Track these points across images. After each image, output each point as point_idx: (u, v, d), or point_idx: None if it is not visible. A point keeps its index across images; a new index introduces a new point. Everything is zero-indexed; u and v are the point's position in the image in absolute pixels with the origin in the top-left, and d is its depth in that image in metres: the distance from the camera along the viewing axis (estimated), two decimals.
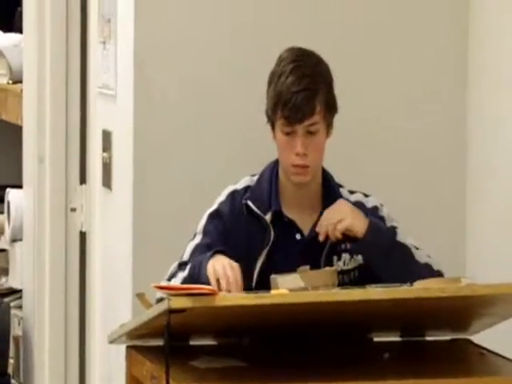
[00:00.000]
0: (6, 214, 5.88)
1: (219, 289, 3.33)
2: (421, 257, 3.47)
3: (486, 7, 4.86)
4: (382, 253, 3.38)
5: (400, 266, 3.40)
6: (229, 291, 3.29)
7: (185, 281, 3.38)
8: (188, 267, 3.42)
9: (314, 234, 3.43)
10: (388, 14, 4.79)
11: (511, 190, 4.61)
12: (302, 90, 3.17)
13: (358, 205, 3.47)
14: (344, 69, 4.40)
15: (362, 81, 4.66)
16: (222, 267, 3.29)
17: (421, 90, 4.80)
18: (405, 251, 3.44)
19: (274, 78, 3.26)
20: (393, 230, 3.46)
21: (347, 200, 3.48)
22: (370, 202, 3.54)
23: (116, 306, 4.58)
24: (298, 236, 3.41)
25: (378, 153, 4.54)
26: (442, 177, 4.85)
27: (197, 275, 3.38)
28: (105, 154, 4.73)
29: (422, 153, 4.77)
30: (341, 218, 3.38)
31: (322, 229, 3.40)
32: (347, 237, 3.41)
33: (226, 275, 3.29)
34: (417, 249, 3.49)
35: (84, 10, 5.26)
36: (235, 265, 3.30)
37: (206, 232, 3.52)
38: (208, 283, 3.32)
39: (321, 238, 3.39)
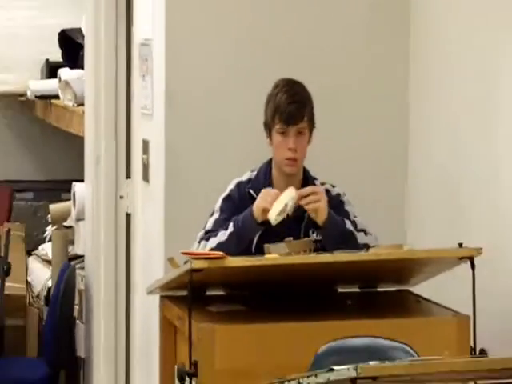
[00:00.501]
0: (72, 201, 5.95)
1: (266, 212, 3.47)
2: (362, 239, 3.50)
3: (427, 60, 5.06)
4: (335, 240, 3.45)
5: (345, 247, 3.58)
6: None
7: (231, 235, 3.42)
8: (230, 226, 3.44)
9: (296, 214, 3.66)
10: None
11: (446, 170, 4.79)
12: (295, 102, 3.27)
13: (327, 192, 3.45)
14: (320, 92, 4.78)
15: (332, 105, 4.95)
16: (261, 201, 3.42)
17: (373, 111, 5.10)
18: (351, 238, 3.50)
19: (272, 97, 3.33)
20: (343, 221, 3.49)
21: None
22: (335, 191, 3.55)
23: (152, 267, 4.59)
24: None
25: (343, 154, 4.71)
26: (385, 166, 5.11)
27: (241, 227, 3.46)
28: (144, 157, 4.73)
29: (372, 150, 5.13)
30: (318, 199, 3.63)
31: (303, 193, 3.54)
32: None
33: (268, 201, 3.40)
34: (360, 231, 3.52)
35: (128, 52, 5.34)
36: (266, 190, 3.49)
37: (221, 210, 3.55)
38: (251, 228, 3.44)
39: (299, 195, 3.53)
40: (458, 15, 4.31)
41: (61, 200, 6.64)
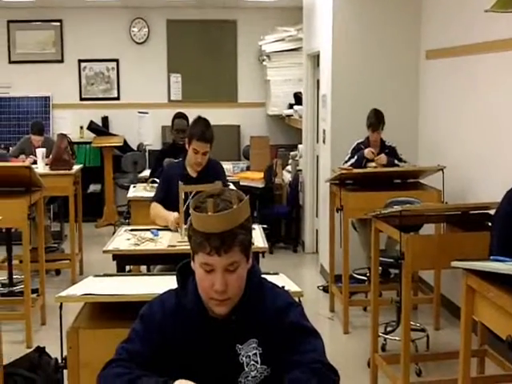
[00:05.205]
0: (298, 150, 7.49)
1: None
2: (403, 163, 5.18)
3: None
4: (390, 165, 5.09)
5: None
6: None
7: (354, 161, 5.21)
8: (354, 158, 5.17)
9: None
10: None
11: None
12: None
13: (389, 147, 5.28)
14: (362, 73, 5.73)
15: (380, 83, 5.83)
16: (367, 151, 4.96)
17: (402, 92, 5.98)
18: (394, 165, 5.14)
19: None
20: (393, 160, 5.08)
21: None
22: (388, 142, 5.25)
23: (326, 175, 5.81)
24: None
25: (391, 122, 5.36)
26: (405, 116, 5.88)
27: (358, 159, 5.14)
28: (323, 135, 6.28)
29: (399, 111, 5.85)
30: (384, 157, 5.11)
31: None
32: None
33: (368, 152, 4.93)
34: (402, 160, 5.23)
35: (317, 99, 6.72)
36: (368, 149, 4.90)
37: (351, 152, 5.30)
38: (362, 159, 5.10)
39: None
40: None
41: (293, 150, 7.88)
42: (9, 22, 8.63)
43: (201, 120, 4.04)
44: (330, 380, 1.61)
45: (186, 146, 4.00)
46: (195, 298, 1.69)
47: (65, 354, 2.41)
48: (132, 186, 5.47)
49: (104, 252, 3.52)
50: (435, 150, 5.43)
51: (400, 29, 5.73)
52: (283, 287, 1.91)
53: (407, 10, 5.73)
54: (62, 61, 8.81)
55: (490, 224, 3.23)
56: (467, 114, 4.93)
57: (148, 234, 3.75)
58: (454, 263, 2.77)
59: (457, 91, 5.08)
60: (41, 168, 5.79)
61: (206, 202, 1.62)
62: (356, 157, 5.14)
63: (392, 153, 5.23)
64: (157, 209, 4.00)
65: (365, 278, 5.26)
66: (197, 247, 1.63)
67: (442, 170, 4.76)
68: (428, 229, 4.46)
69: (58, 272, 6.28)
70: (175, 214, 3.78)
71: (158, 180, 4.61)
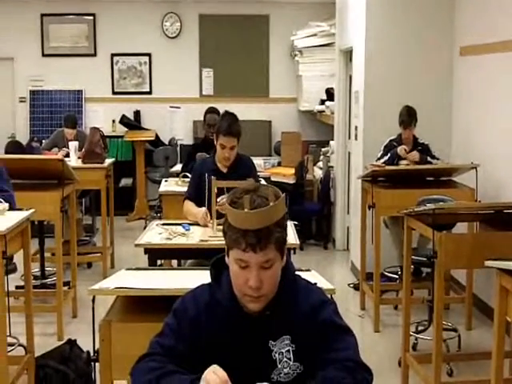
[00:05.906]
0: (330, 146, 7.47)
1: None
2: (435, 160, 5.09)
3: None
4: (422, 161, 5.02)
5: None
6: None
7: (387, 159, 5.09)
8: (387, 156, 5.13)
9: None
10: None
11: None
12: None
13: (422, 144, 5.19)
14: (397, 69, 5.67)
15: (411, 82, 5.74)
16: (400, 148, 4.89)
17: (435, 92, 5.89)
18: (427, 163, 5.05)
19: None
20: (426, 157, 5.06)
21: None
22: (425, 142, 5.20)
23: (358, 172, 5.84)
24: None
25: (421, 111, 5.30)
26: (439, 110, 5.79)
27: (391, 156, 5.08)
28: (355, 131, 6.26)
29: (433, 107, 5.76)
30: (416, 154, 5.07)
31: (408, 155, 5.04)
32: None
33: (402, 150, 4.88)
34: (435, 157, 5.15)
35: (350, 94, 6.69)
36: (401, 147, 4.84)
37: (384, 149, 5.25)
38: (395, 156, 5.01)
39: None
40: None
41: (325, 146, 7.81)
42: (42, 15, 8.76)
43: (227, 115, 4.08)
44: (363, 379, 1.61)
45: (215, 141, 4.05)
46: (229, 293, 1.68)
47: (97, 346, 2.44)
48: (163, 180, 5.56)
49: (136, 246, 3.56)
50: (469, 148, 5.38)
51: (434, 25, 5.70)
52: (315, 284, 1.91)
53: (441, 6, 5.68)
54: (94, 55, 8.93)
55: None
56: (501, 112, 4.85)
57: (179, 229, 3.79)
58: (488, 263, 2.78)
59: (491, 88, 5.01)
60: (73, 161, 5.84)
61: (243, 198, 1.61)
62: (389, 155, 5.09)
63: (425, 150, 5.17)
64: (188, 206, 4.06)
65: (396, 277, 5.23)
66: (232, 243, 1.61)
67: (476, 168, 4.69)
68: (460, 227, 4.40)
69: (89, 265, 6.35)
70: (203, 210, 3.81)
71: (189, 175, 4.66)
